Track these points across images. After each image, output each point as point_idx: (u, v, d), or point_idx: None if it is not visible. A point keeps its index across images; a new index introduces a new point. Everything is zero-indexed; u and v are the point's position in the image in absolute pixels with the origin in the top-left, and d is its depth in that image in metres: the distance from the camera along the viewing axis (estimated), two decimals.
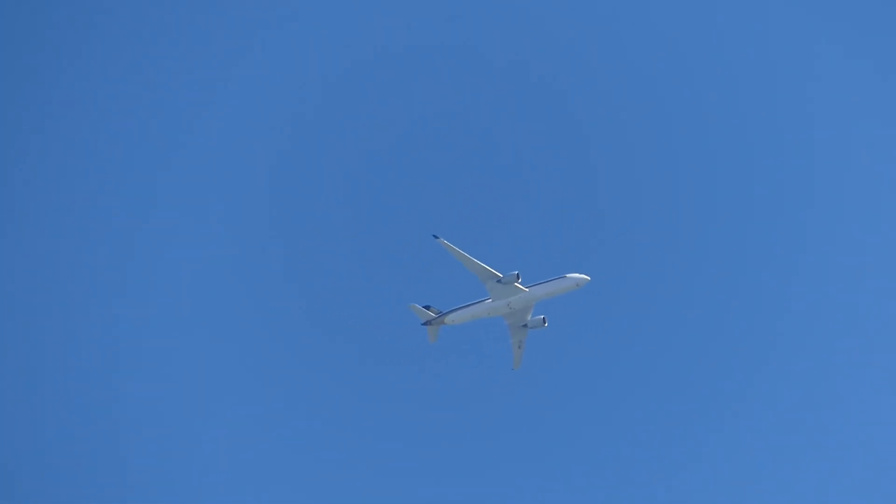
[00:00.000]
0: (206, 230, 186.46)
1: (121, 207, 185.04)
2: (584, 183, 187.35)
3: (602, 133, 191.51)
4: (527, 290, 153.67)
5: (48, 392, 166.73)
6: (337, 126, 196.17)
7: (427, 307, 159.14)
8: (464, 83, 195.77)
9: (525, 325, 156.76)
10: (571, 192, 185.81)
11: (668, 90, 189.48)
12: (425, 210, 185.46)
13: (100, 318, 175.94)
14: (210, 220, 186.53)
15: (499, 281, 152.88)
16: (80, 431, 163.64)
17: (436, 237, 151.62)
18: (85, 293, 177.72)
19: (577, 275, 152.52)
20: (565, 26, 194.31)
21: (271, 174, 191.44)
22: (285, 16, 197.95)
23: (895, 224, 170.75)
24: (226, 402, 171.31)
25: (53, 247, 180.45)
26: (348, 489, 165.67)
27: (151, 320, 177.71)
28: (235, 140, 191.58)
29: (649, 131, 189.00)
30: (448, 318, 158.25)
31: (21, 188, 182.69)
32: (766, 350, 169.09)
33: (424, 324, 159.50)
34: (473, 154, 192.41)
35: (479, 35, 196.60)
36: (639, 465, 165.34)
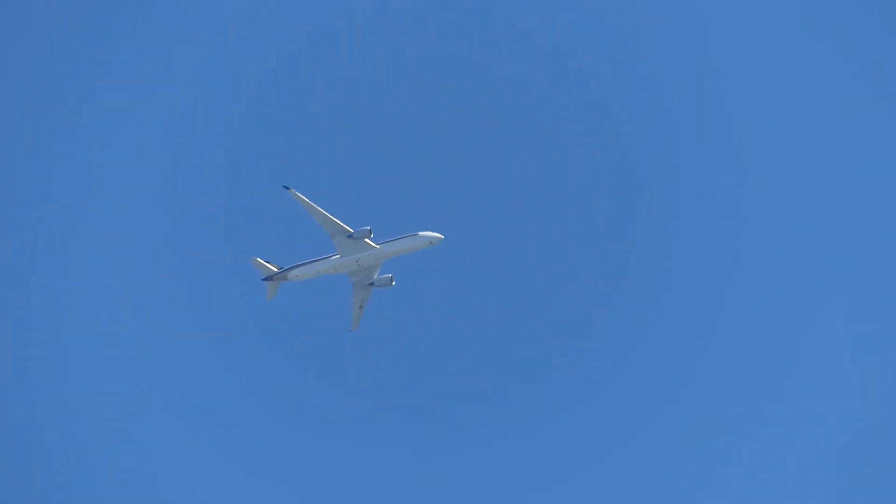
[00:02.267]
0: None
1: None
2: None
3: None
4: (377, 246, 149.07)
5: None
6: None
7: (268, 262, 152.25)
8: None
9: (371, 284, 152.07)
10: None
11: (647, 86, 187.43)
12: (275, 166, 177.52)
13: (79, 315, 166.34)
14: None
15: (349, 236, 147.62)
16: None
17: (287, 188, 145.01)
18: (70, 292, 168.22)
19: (429, 233, 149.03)
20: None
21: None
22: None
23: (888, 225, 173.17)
24: None
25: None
26: None
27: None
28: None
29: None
30: (291, 274, 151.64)
31: None
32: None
33: (265, 279, 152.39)
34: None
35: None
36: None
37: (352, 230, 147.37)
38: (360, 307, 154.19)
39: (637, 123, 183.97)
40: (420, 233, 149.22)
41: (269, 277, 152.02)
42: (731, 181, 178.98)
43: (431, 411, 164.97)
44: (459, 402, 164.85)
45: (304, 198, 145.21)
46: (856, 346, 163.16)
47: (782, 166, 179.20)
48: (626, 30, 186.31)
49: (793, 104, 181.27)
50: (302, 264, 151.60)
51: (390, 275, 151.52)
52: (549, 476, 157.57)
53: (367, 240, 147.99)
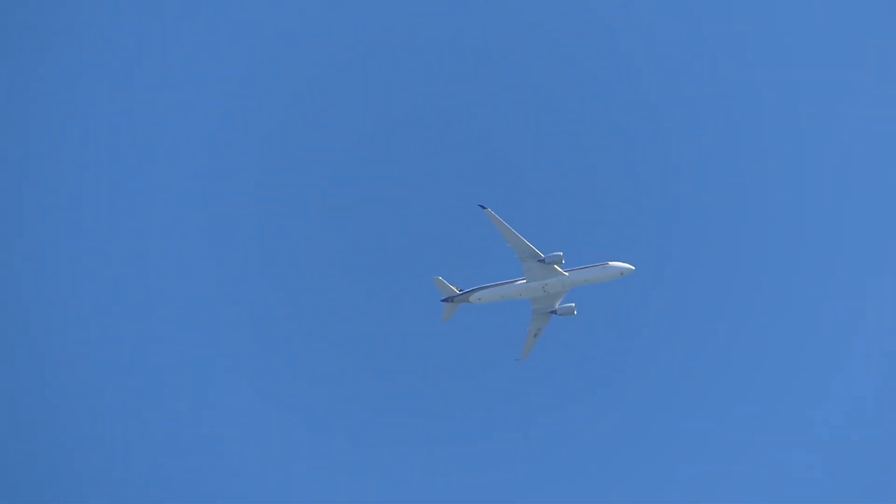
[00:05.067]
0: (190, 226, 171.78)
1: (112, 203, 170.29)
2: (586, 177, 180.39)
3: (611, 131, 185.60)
4: (566, 273, 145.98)
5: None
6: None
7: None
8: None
9: (553, 312, 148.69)
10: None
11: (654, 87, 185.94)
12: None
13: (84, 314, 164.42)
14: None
15: (541, 260, 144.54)
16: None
17: (483, 207, 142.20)
18: (67, 289, 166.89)
19: (621, 263, 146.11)
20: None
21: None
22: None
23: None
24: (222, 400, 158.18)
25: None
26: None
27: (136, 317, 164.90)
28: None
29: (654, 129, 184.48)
30: (473, 297, 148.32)
31: None
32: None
33: (444, 300, 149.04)
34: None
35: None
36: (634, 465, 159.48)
37: (543, 255, 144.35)
38: (535, 336, 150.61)
39: (636, 123, 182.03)
40: (611, 263, 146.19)
41: (450, 298, 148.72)
42: (734, 177, 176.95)
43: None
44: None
45: (499, 218, 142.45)
46: (855, 347, 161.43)
47: (781, 166, 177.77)
48: (626, 29, 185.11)
49: (791, 104, 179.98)
50: (485, 287, 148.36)
51: (573, 304, 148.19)
52: (548, 476, 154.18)
53: (557, 266, 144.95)
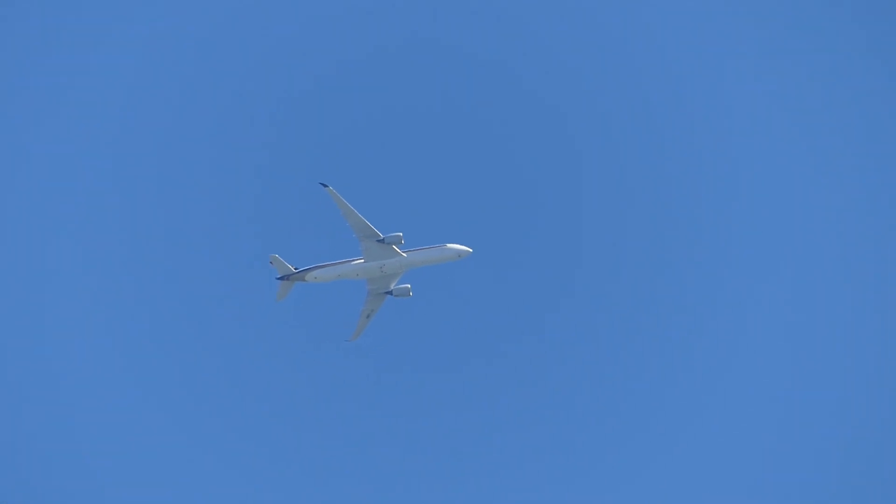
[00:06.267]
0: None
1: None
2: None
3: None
4: (405, 254, 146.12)
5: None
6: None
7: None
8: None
9: (388, 293, 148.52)
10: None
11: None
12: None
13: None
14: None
15: (380, 240, 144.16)
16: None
17: (324, 185, 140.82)
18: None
19: (458, 246, 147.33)
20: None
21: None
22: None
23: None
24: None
25: None
26: None
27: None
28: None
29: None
30: (309, 275, 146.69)
31: None
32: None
33: (280, 278, 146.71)
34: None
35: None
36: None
37: (382, 235, 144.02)
38: (368, 317, 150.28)
39: (636, 123, 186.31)
40: (448, 245, 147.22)
41: (286, 276, 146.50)
42: (725, 182, 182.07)
43: (426, 415, 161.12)
44: (457, 406, 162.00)
45: (340, 197, 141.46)
46: (852, 347, 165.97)
47: (777, 168, 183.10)
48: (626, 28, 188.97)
49: (788, 105, 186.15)
50: (322, 266, 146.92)
51: (408, 285, 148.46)
52: (547, 476, 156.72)
53: (395, 246, 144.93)
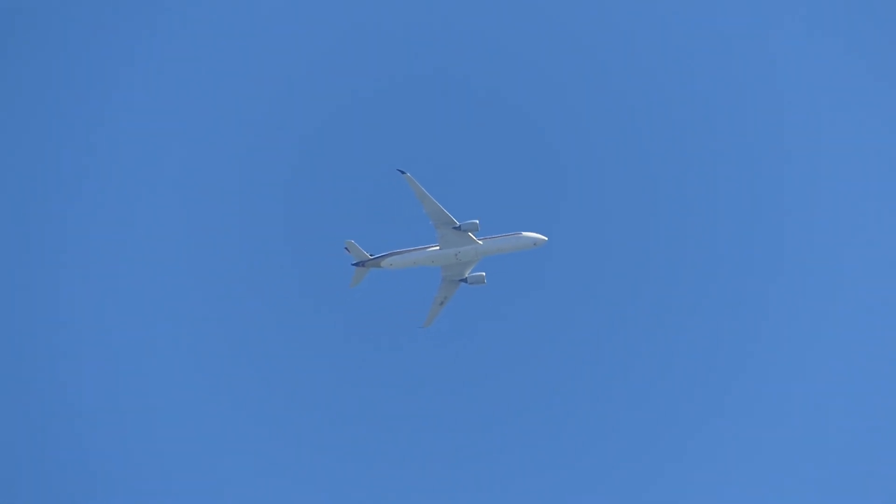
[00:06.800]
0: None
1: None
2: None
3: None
4: (480, 242, 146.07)
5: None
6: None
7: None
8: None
9: (463, 280, 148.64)
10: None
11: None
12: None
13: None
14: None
15: (456, 227, 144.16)
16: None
17: (402, 172, 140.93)
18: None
19: (533, 234, 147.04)
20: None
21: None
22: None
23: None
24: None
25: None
26: None
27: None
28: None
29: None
30: (385, 262, 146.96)
31: None
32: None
33: (355, 264, 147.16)
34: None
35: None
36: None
37: (458, 222, 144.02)
38: (442, 303, 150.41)
39: (638, 124, 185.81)
40: (524, 232, 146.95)
41: (361, 263, 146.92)
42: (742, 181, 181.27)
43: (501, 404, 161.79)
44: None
45: (417, 184, 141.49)
46: (859, 349, 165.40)
47: (792, 166, 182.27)
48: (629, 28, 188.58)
49: (799, 104, 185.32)
50: (397, 252, 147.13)
51: (483, 273, 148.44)
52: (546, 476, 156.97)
53: (471, 234, 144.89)
